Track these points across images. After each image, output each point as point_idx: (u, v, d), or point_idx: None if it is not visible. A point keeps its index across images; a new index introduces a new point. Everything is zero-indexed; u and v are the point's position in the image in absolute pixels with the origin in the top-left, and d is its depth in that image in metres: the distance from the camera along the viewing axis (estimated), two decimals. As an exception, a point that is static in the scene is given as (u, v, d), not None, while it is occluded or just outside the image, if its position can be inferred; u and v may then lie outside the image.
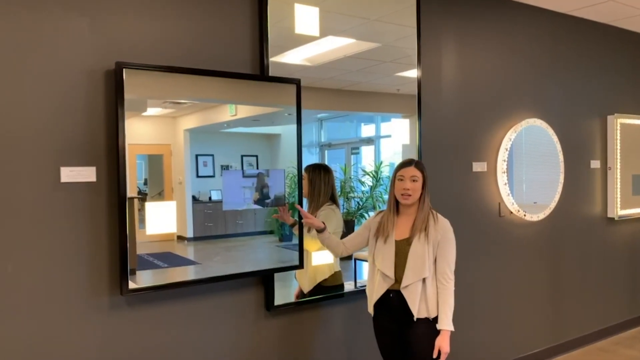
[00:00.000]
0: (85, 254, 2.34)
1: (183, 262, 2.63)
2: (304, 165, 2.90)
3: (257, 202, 2.76)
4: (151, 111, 2.53)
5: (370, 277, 2.62)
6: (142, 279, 2.42)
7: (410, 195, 2.52)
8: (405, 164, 2.59)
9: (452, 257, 2.53)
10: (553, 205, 4.24)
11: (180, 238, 2.58)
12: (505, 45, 4.00)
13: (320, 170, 2.99)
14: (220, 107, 2.76)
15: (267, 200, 2.79)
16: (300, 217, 2.81)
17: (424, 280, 2.47)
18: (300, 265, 2.88)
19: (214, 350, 2.69)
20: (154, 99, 2.52)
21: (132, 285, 2.37)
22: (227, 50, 2.71)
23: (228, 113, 2.76)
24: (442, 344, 2.45)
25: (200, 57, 2.62)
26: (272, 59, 2.80)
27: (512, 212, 4.00)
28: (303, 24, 2.92)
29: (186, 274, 2.63)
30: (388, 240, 2.55)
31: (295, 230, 2.86)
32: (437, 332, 2.47)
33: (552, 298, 4.34)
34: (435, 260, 2.51)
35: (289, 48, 2.92)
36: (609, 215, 4.75)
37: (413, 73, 3.39)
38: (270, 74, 2.79)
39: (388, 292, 2.53)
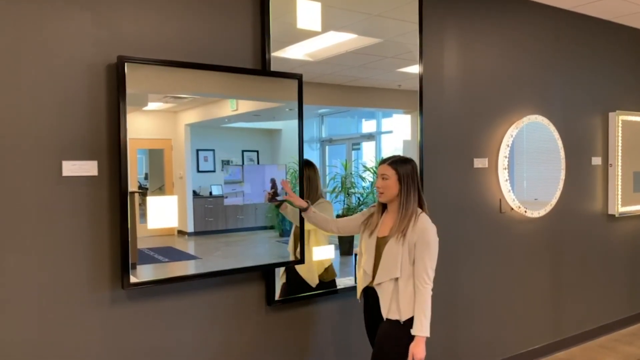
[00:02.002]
0: (86, 248, 2.35)
1: (183, 256, 2.64)
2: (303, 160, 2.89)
3: (271, 199, 2.78)
4: (152, 106, 2.53)
5: (358, 268, 2.63)
6: (143, 273, 2.43)
7: (382, 193, 2.49)
8: (381, 161, 2.57)
9: (429, 260, 2.40)
10: (554, 202, 4.24)
11: (180, 233, 2.59)
12: (508, 41, 3.99)
13: (313, 166, 3.00)
14: (221, 102, 2.76)
15: (278, 197, 2.80)
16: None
17: (397, 280, 2.42)
18: (301, 260, 2.88)
19: (214, 345, 2.70)
20: (156, 94, 2.51)
21: (133, 279, 2.37)
22: (228, 44, 2.71)
23: (229, 108, 2.76)
24: (416, 349, 2.37)
25: (202, 51, 2.62)
26: (273, 54, 2.80)
27: (513, 209, 4.00)
28: (305, 18, 2.91)
29: (187, 268, 2.64)
30: (372, 235, 2.54)
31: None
32: (405, 337, 2.40)
33: (552, 294, 4.34)
34: (413, 262, 2.42)
35: (290, 43, 2.91)
36: (610, 212, 4.74)
37: (415, 69, 3.39)
38: (271, 69, 2.78)
39: (367, 287, 2.54)
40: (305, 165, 2.92)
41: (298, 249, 2.88)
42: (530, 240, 4.17)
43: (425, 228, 2.43)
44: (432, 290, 2.41)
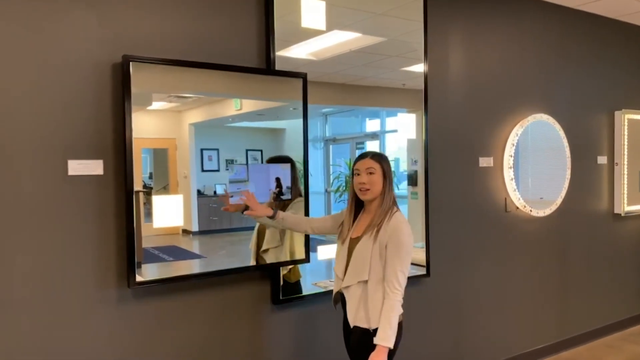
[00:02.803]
0: (92, 247, 2.36)
1: (188, 255, 2.65)
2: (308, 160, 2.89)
3: (275, 198, 2.77)
4: (156, 105, 2.54)
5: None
6: (148, 272, 2.44)
7: (368, 190, 2.26)
8: (360, 156, 2.33)
9: (400, 263, 2.17)
10: (559, 201, 4.22)
11: (185, 232, 2.60)
12: (513, 39, 3.97)
13: (294, 163, 2.87)
14: (225, 101, 2.76)
15: (283, 197, 2.80)
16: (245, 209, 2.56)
17: (366, 283, 2.21)
18: (307, 259, 2.88)
19: (220, 343, 2.71)
20: (160, 93, 2.52)
21: (138, 278, 2.38)
22: (233, 44, 2.71)
23: (233, 107, 2.76)
24: (375, 356, 2.11)
25: (207, 50, 2.63)
26: (277, 53, 2.80)
27: (518, 208, 3.98)
28: (309, 17, 2.91)
29: (192, 267, 2.65)
30: (345, 242, 2.35)
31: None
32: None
33: (558, 293, 4.33)
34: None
35: (294, 42, 2.91)
36: (616, 211, 4.72)
37: (419, 68, 3.38)
38: (276, 68, 2.78)
39: (339, 292, 2.35)
40: (289, 162, 2.84)
41: (263, 247, 2.77)
42: (535, 240, 4.15)
43: (397, 227, 2.21)
44: (403, 297, 2.20)
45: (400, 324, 2.25)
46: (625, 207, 4.70)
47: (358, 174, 2.30)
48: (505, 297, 3.99)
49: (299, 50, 2.95)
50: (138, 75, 2.34)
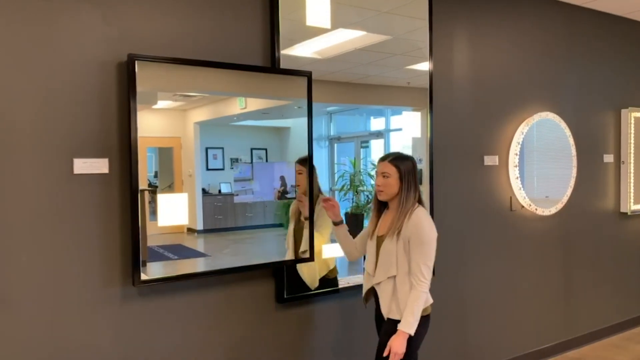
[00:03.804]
0: (97, 245, 2.37)
1: (193, 254, 2.65)
2: (313, 158, 2.89)
3: (280, 197, 2.77)
4: (161, 104, 2.54)
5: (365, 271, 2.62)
6: (153, 271, 2.45)
7: (382, 191, 2.43)
8: (380, 159, 2.50)
9: (423, 256, 2.33)
10: (565, 199, 4.20)
11: (190, 230, 2.60)
12: (519, 37, 3.96)
13: (312, 164, 2.93)
14: (230, 100, 2.76)
15: (288, 195, 2.80)
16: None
17: (395, 278, 2.39)
18: (311, 258, 2.88)
19: (224, 342, 2.72)
20: (166, 92, 2.53)
21: (143, 276, 2.39)
22: (238, 42, 2.72)
23: (238, 106, 2.77)
24: (394, 343, 2.30)
25: (212, 49, 2.63)
26: (282, 52, 2.80)
27: (523, 207, 3.97)
28: (314, 16, 2.91)
29: (196, 266, 2.65)
30: (372, 237, 2.52)
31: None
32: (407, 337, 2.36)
33: (563, 293, 4.31)
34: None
35: (299, 40, 2.91)
36: (622, 210, 4.70)
37: (424, 66, 3.37)
38: (281, 67, 2.78)
39: (371, 288, 2.52)
40: (306, 163, 2.87)
41: (301, 247, 2.85)
42: (541, 238, 4.14)
43: (418, 223, 2.36)
44: (429, 288, 2.37)
45: (427, 316, 2.45)
46: (631, 205, 4.68)
47: (377, 175, 2.48)
48: (510, 296, 3.98)
49: (304, 49, 2.95)
50: (143, 74, 2.35)
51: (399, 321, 2.36)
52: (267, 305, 2.85)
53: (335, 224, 2.69)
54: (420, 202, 2.47)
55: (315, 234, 2.88)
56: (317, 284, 2.97)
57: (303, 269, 2.91)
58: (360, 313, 3.19)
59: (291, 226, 2.86)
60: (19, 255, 2.22)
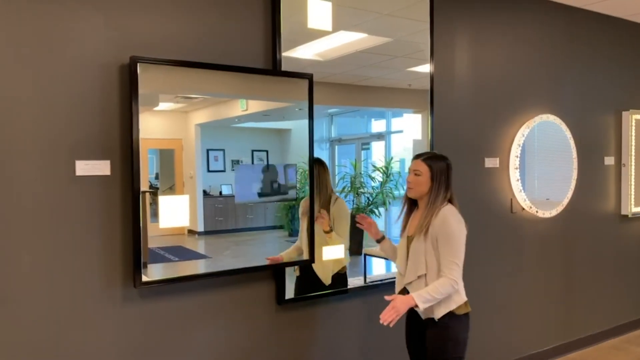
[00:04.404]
0: (99, 246, 2.38)
1: (194, 255, 2.66)
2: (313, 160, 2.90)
3: (261, 194, 2.77)
4: (163, 106, 2.55)
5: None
6: (154, 272, 2.45)
7: (411, 189, 2.45)
8: (415, 156, 2.53)
9: (450, 252, 2.34)
10: (566, 201, 4.20)
11: (190, 232, 2.61)
12: (519, 40, 3.96)
13: (322, 164, 3.00)
14: (231, 102, 2.77)
15: (278, 196, 2.80)
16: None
17: (425, 277, 2.39)
18: (311, 260, 2.89)
19: (225, 343, 2.72)
20: (167, 94, 2.53)
21: (144, 278, 2.40)
22: (239, 44, 2.72)
23: (239, 108, 2.77)
24: (399, 299, 2.29)
25: (213, 51, 2.63)
26: (283, 54, 2.80)
27: (524, 209, 3.97)
28: (316, 18, 2.92)
29: (197, 267, 2.66)
30: (403, 236, 2.54)
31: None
32: (446, 333, 2.38)
33: (564, 295, 4.31)
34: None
35: (300, 43, 2.92)
36: (623, 212, 4.70)
37: (425, 68, 3.38)
38: (282, 69, 2.79)
39: (404, 289, 2.50)
40: (315, 163, 2.93)
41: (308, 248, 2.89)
42: (541, 241, 4.14)
43: (444, 219, 2.36)
44: (459, 285, 2.36)
45: (467, 315, 2.45)
46: (632, 208, 4.68)
47: (409, 173, 2.48)
48: (511, 298, 3.98)
49: (305, 51, 2.95)
50: (145, 76, 2.35)
51: (431, 319, 2.38)
52: (268, 307, 2.85)
53: (378, 241, 2.70)
54: (451, 202, 2.46)
55: (333, 235, 2.96)
56: (329, 280, 3.00)
57: (317, 266, 2.94)
58: (361, 315, 3.20)
59: (304, 225, 2.88)
60: (21, 257, 2.23)
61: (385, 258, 3.02)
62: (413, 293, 2.33)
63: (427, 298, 2.30)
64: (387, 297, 2.34)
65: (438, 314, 2.38)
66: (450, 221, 2.36)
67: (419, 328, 2.50)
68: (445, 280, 2.33)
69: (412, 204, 2.55)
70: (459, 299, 2.41)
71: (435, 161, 2.45)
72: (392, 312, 2.26)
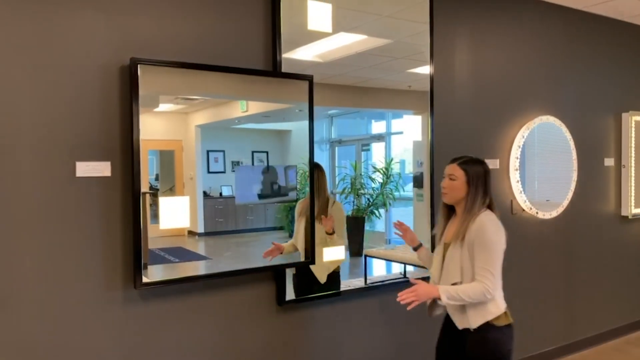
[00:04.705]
0: (99, 248, 2.38)
1: (194, 257, 2.66)
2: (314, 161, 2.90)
3: (261, 195, 2.77)
4: (163, 107, 2.55)
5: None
6: (154, 274, 2.45)
7: (446, 194, 2.36)
8: (451, 160, 2.41)
9: (485, 260, 2.22)
10: (566, 203, 4.20)
11: (191, 233, 2.61)
12: (519, 41, 3.96)
13: (320, 168, 2.98)
14: (231, 103, 2.77)
15: (278, 197, 2.80)
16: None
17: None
18: (312, 261, 2.89)
19: (225, 345, 2.72)
20: (168, 95, 2.54)
21: (145, 279, 2.40)
22: (240, 46, 2.73)
23: (239, 109, 2.78)
24: (423, 286, 2.20)
25: (214, 53, 2.64)
26: (283, 55, 2.81)
27: (524, 210, 3.97)
28: (316, 20, 2.92)
29: (197, 269, 2.66)
30: (439, 243, 2.44)
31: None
32: (488, 346, 2.26)
33: (564, 296, 4.31)
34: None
35: (300, 44, 2.92)
36: (623, 213, 4.70)
37: (425, 69, 3.38)
38: (282, 71, 2.79)
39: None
40: (314, 168, 2.93)
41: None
42: (541, 242, 4.14)
43: (481, 226, 2.25)
44: (492, 295, 2.24)
45: (509, 326, 2.33)
46: (632, 209, 4.68)
47: (444, 177, 2.39)
48: (511, 299, 3.95)
49: (306, 52, 2.96)
50: (145, 78, 2.36)
51: (467, 329, 2.29)
52: (268, 308, 2.85)
53: (415, 249, 2.62)
54: (490, 208, 2.36)
55: (335, 236, 2.98)
56: (325, 279, 3.00)
57: (315, 265, 2.94)
58: (362, 317, 3.20)
59: (301, 225, 2.86)
60: (21, 258, 2.23)
61: (423, 266, 2.81)
62: (441, 288, 2.22)
63: (452, 295, 2.20)
64: (412, 280, 2.26)
65: (474, 323, 2.27)
66: (488, 227, 2.26)
67: (455, 338, 2.39)
68: (477, 284, 2.22)
69: (449, 211, 2.44)
70: (496, 309, 2.29)
71: (471, 165, 2.35)
72: (411, 295, 2.17)
